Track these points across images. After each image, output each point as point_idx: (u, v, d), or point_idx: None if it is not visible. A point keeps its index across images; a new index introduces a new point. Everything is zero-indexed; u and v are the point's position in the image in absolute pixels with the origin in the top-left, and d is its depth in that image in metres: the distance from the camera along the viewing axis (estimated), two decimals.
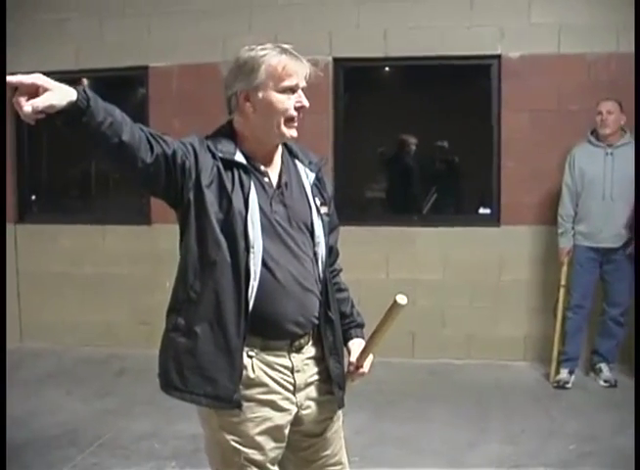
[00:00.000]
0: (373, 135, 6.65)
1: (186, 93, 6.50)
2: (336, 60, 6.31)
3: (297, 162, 2.44)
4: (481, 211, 6.47)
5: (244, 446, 2.31)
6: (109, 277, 6.73)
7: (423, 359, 6.20)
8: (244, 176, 2.26)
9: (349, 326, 2.57)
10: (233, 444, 2.31)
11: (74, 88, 1.92)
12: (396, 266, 6.23)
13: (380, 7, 6.17)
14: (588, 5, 5.95)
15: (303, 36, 6.23)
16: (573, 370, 5.67)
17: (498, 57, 6.15)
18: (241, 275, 2.23)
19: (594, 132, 5.59)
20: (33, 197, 7.18)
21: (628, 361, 5.75)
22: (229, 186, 2.23)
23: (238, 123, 2.33)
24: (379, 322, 2.38)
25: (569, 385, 5.59)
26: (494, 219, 6.26)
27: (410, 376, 5.90)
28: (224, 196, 2.22)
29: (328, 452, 2.51)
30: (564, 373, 5.64)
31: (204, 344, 2.25)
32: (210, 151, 2.25)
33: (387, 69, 6.72)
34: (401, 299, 2.29)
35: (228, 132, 2.33)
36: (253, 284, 2.24)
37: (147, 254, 6.63)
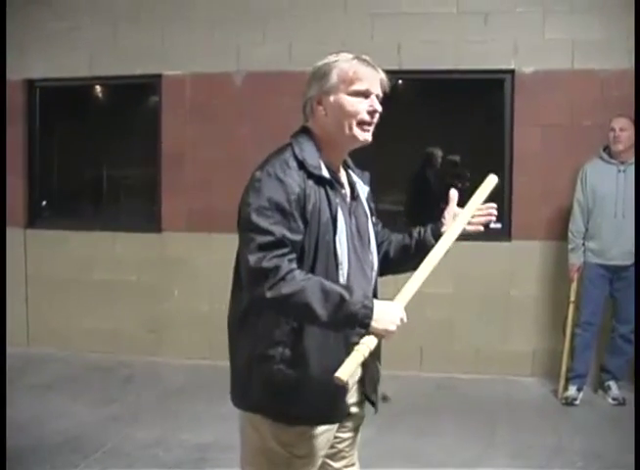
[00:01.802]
0: (384, 148, 6.63)
1: (199, 102, 6.52)
2: None
3: (350, 171, 2.50)
4: (493, 225, 6.42)
5: (297, 457, 2.32)
6: (118, 284, 6.74)
7: (431, 373, 6.17)
8: (330, 192, 2.28)
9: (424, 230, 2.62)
10: (286, 454, 2.32)
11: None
12: (406, 279, 6.19)
13: (394, 20, 6.18)
14: (602, 22, 5.94)
15: (317, 47, 6.21)
16: (582, 387, 5.64)
17: (512, 72, 6.14)
18: None
19: (606, 149, 5.57)
20: (44, 202, 7.20)
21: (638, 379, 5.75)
22: (317, 206, 2.24)
23: (315, 129, 2.37)
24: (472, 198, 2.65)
25: (577, 402, 5.56)
26: (505, 234, 6.24)
27: (418, 390, 5.87)
28: (315, 219, 2.23)
29: (354, 448, 2.62)
30: (572, 390, 5.61)
31: (314, 370, 2.25)
32: (306, 170, 2.24)
33: (400, 81, 6.72)
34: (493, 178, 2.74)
35: (309, 139, 2.34)
36: None
37: (156, 261, 6.64)
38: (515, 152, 6.16)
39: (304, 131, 2.37)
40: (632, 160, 5.47)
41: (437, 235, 2.54)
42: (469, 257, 6.13)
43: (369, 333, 2.16)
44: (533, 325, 6.17)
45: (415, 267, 2.43)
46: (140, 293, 6.70)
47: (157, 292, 6.63)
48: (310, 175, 2.24)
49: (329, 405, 2.30)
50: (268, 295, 2.12)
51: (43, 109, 7.03)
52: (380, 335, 2.17)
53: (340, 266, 2.27)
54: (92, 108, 7.25)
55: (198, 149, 6.51)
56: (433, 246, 2.49)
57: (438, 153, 6.61)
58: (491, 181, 2.72)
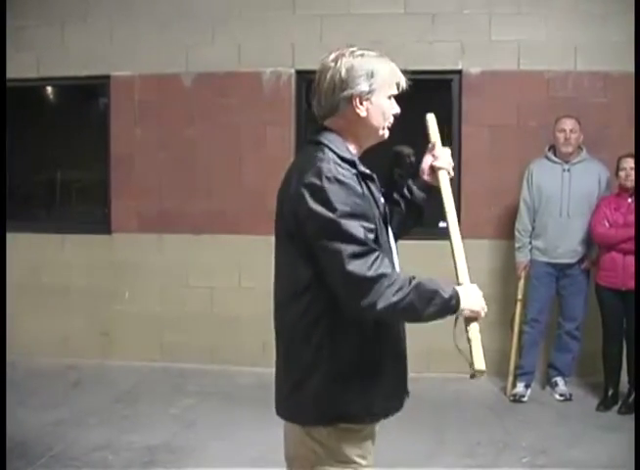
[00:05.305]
0: None
1: (147, 103, 6.48)
2: (298, 72, 6.30)
3: None
4: (441, 224, 6.45)
5: (363, 458, 2.34)
6: (67, 287, 6.66)
7: None
8: (373, 188, 2.28)
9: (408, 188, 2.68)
10: (357, 459, 2.32)
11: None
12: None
13: (342, 20, 6.20)
14: (547, 24, 6.03)
15: (266, 48, 6.25)
16: (530, 384, 5.72)
17: (459, 72, 6.21)
18: None
19: (551, 148, 5.65)
20: None
21: (584, 375, 5.83)
22: (371, 203, 2.23)
23: (340, 126, 2.28)
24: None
25: (525, 398, 5.63)
26: None
27: None
28: (373, 221, 2.20)
29: None
30: (520, 387, 5.68)
31: (388, 367, 2.29)
32: (356, 168, 2.23)
33: None
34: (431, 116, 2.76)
35: (338, 137, 2.28)
36: None
37: (107, 263, 6.58)
38: (462, 152, 6.21)
39: (327, 130, 2.29)
40: (576, 159, 5.56)
41: (425, 187, 2.64)
42: (416, 256, 6.12)
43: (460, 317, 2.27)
44: (482, 323, 6.19)
45: (410, 226, 2.68)
46: (90, 295, 6.63)
47: (107, 294, 6.57)
48: (358, 172, 2.22)
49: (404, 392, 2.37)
50: (380, 306, 2.07)
51: None
52: (472, 317, 2.26)
53: (395, 261, 2.33)
54: (40, 109, 7.15)
55: (147, 150, 6.47)
56: (423, 198, 2.63)
57: (405, 151, 6.53)
58: (432, 119, 2.77)
